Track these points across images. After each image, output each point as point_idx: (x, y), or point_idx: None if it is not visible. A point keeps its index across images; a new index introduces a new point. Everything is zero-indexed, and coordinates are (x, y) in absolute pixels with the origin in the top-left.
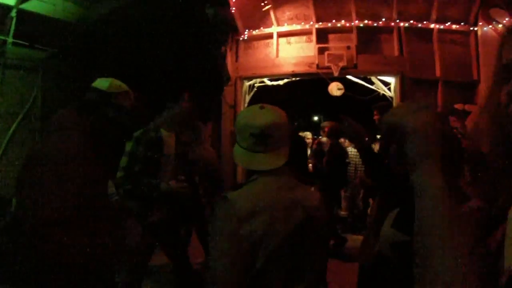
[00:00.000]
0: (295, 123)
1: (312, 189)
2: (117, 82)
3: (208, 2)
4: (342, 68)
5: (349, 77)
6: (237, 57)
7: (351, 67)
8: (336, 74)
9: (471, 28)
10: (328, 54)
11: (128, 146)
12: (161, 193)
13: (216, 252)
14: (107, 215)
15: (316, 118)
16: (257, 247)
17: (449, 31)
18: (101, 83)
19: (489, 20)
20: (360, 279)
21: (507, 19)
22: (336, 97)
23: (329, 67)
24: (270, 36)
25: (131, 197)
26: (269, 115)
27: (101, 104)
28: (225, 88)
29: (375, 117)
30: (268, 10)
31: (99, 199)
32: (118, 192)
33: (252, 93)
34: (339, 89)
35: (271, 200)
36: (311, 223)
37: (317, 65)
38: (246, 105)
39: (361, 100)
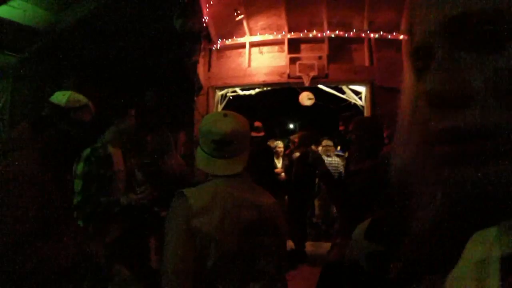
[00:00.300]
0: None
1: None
2: (76, 96)
3: (176, 13)
4: (313, 78)
5: (321, 86)
6: (209, 66)
7: (322, 77)
8: (306, 84)
9: None
10: (300, 64)
11: (80, 168)
12: (122, 208)
13: (169, 244)
14: (69, 231)
15: (291, 126)
16: (208, 242)
17: None
18: (58, 97)
19: None
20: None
21: None
22: (307, 106)
23: (300, 77)
24: (242, 45)
25: (90, 221)
26: (231, 123)
27: (58, 119)
28: (197, 97)
29: (340, 128)
30: (241, 19)
31: (58, 217)
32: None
33: (224, 103)
34: (309, 99)
35: (224, 198)
36: (264, 224)
37: (288, 75)
38: None
39: (333, 109)
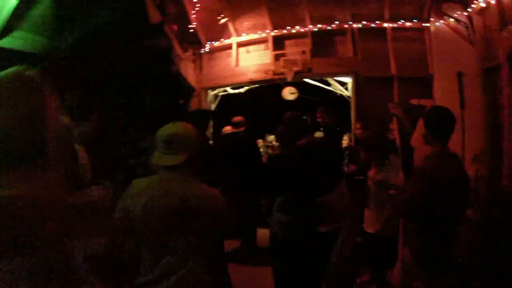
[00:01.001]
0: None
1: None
2: None
3: (145, 35)
4: (297, 73)
5: (307, 80)
6: (201, 69)
7: (306, 71)
8: (289, 79)
9: (424, 25)
10: (284, 60)
11: None
12: None
13: (114, 220)
14: None
15: None
16: (137, 219)
17: (403, 29)
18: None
19: (441, 15)
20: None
21: (459, 12)
22: (291, 101)
23: (284, 73)
24: (230, 46)
25: None
26: (173, 128)
27: None
28: (191, 99)
29: (319, 119)
30: (226, 22)
31: None
32: None
33: (217, 102)
34: (291, 93)
35: (153, 187)
36: (188, 212)
37: (273, 72)
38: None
39: (319, 101)
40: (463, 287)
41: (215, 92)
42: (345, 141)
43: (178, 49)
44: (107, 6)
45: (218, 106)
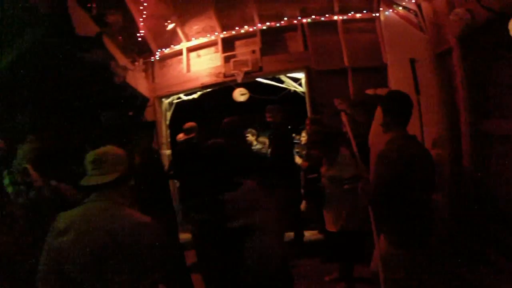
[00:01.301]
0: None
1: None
2: None
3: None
4: (247, 73)
5: (260, 80)
6: (153, 77)
7: (256, 70)
8: (239, 80)
9: (374, 15)
10: (234, 61)
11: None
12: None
13: (40, 258)
14: None
15: None
16: (65, 259)
17: (353, 20)
18: None
19: (390, 4)
20: None
21: (407, 0)
22: (242, 102)
23: (234, 74)
24: (181, 52)
25: None
26: (102, 149)
27: None
28: (145, 110)
29: (268, 119)
30: (175, 28)
31: None
32: None
33: (172, 110)
34: (242, 94)
35: (79, 221)
36: (116, 247)
37: (224, 74)
38: (167, 122)
39: (272, 100)
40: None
41: (169, 100)
42: (303, 138)
43: (123, 60)
44: (31, 27)
45: (173, 114)
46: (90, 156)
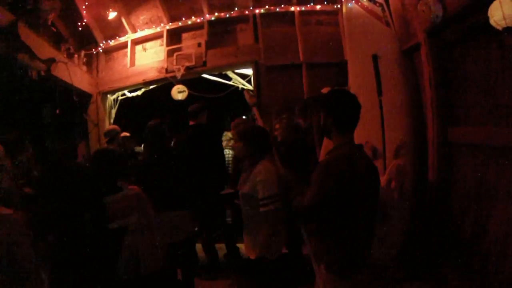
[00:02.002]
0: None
1: None
2: None
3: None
4: (190, 68)
5: (206, 76)
6: (97, 71)
7: (200, 65)
8: (178, 76)
9: (336, 6)
10: (177, 55)
11: None
12: None
13: None
14: None
15: None
16: None
17: (314, 12)
18: None
19: None
20: None
21: None
22: (180, 100)
23: (179, 70)
24: (126, 45)
25: None
26: None
27: None
28: (85, 106)
29: (191, 122)
30: (118, 17)
31: None
32: None
33: (117, 107)
34: (180, 92)
35: None
36: None
37: (166, 69)
38: (111, 120)
39: (217, 98)
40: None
41: (115, 96)
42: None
43: (52, 52)
44: None
45: (118, 112)
46: None
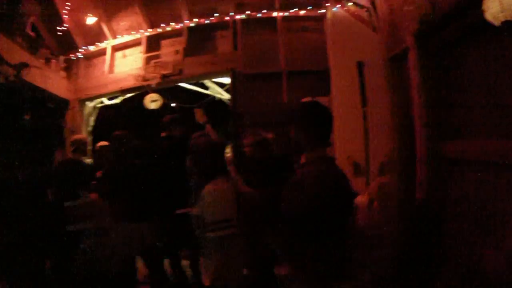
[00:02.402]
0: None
1: None
2: None
3: None
4: (166, 76)
5: (183, 85)
6: (77, 77)
7: (176, 73)
8: (153, 84)
9: (321, 12)
10: (154, 63)
11: None
12: None
13: None
14: None
15: None
16: None
17: (299, 18)
18: None
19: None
20: None
21: None
22: (154, 110)
23: (154, 78)
24: (106, 51)
25: None
26: None
27: None
28: (62, 113)
29: (162, 134)
30: (98, 22)
31: None
32: None
33: (95, 115)
34: (153, 101)
35: None
36: None
37: (143, 77)
38: (89, 128)
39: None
40: None
41: (93, 103)
42: (227, 154)
43: (25, 56)
44: None
45: (96, 120)
46: None
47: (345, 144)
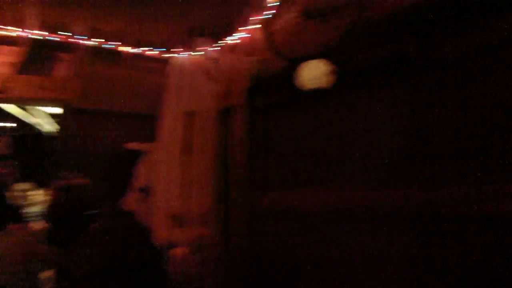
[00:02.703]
0: None
1: None
2: None
3: None
4: None
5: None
6: None
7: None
8: None
9: (165, 56)
10: None
11: None
12: None
13: None
14: None
15: None
16: None
17: (145, 57)
18: None
19: (188, 47)
20: None
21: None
22: None
23: None
24: None
25: None
26: None
27: None
28: None
29: None
30: None
31: None
32: None
33: None
34: None
35: None
36: None
37: None
38: None
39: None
40: None
41: None
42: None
43: None
44: None
45: None
46: None
47: (166, 193)
